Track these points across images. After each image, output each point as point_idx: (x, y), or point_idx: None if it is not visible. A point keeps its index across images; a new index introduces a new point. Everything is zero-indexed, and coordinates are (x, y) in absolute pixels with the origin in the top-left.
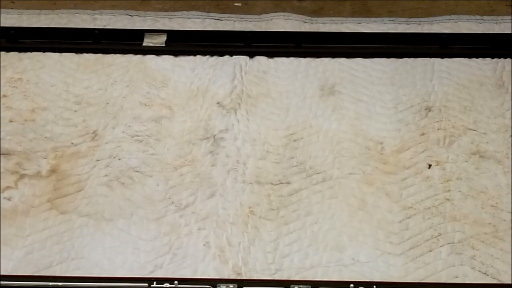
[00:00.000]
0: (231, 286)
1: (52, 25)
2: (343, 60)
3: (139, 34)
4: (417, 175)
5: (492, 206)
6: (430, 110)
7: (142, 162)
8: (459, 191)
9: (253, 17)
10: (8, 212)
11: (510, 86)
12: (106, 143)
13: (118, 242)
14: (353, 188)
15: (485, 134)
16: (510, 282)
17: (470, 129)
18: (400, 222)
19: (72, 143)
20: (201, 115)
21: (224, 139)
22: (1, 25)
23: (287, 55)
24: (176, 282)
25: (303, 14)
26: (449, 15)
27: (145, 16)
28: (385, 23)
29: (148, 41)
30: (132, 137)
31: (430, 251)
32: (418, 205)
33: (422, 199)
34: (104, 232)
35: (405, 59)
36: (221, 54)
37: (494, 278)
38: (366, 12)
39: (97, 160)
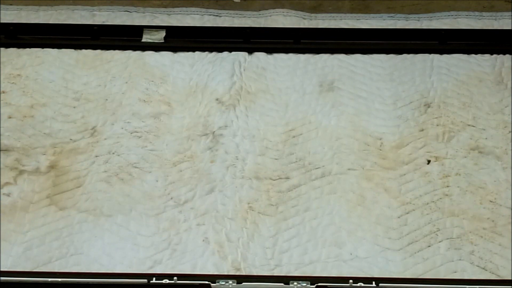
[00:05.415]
0: (230, 281)
1: (51, 21)
2: (342, 56)
3: (138, 30)
4: (416, 170)
5: (491, 201)
6: (429, 106)
7: (141, 158)
8: (458, 187)
9: (252, 13)
10: (7, 208)
11: (509, 82)
12: (105, 139)
13: (117, 238)
14: (352, 183)
15: (484, 130)
16: (509, 277)
17: (469, 125)
18: (399, 217)
19: (71, 139)
20: (200, 112)
21: (223, 135)
22: (0, 21)
23: (286, 51)
24: (175, 278)
25: (302, 11)
26: (448, 11)
27: (144, 12)
28: (384, 19)
29: (147, 37)
30: (131, 133)
31: (429, 246)
32: (417, 200)
33: (421, 194)
34: (103, 228)
35: (404, 55)
36: (220, 50)
37: (492, 273)
38: (365, 8)
39: (96, 156)
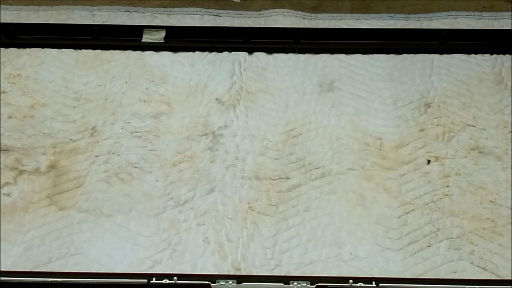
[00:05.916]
0: (230, 281)
1: (51, 21)
2: (342, 56)
3: (138, 30)
4: (416, 170)
5: (491, 201)
6: (429, 106)
7: (141, 158)
8: (458, 187)
9: (252, 13)
10: (7, 208)
11: (509, 82)
12: (105, 139)
13: (117, 238)
14: (352, 183)
15: (484, 130)
16: (509, 277)
17: (469, 125)
18: (399, 217)
19: (71, 139)
20: (200, 112)
21: (223, 135)
22: (0, 21)
23: (286, 51)
24: (175, 278)
25: (302, 11)
26: (448, 11)
27: (144, 12)
28: (384, 19)
29: (147, 37)
30: (131, 133)
31: (429, 246)
32: (417, 200)
33: (421, 194)
34: (103, 228)
35: (404, 55)
36: (220, 50)
37: (492, 273)
38: (365, 8)
39: (96, 156)
